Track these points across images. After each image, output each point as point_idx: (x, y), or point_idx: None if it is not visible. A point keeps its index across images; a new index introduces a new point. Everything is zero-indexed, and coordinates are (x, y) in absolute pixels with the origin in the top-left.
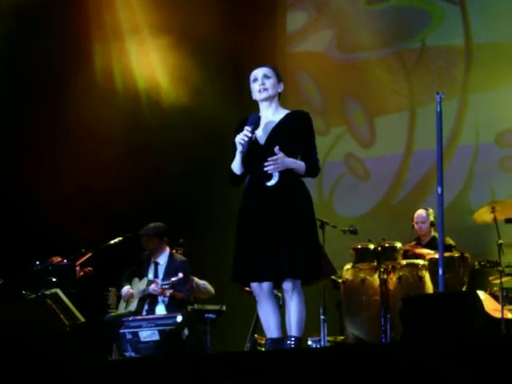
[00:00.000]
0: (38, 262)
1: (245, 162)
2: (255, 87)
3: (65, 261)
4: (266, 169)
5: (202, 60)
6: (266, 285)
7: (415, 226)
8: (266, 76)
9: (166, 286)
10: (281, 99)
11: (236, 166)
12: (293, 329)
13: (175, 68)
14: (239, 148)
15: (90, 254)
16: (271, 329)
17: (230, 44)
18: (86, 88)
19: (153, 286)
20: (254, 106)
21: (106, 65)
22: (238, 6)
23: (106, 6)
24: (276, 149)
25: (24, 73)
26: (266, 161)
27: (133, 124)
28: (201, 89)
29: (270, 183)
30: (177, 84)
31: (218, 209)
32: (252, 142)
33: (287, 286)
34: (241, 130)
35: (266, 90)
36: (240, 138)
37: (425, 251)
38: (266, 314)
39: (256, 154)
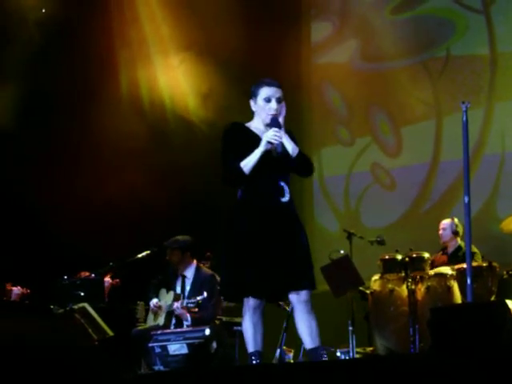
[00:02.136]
0: (66, 277)
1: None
2: (267, 107)
3: (93, 275)
4: (273, 138)
5: (228, 74)
6: (264, 300)
7: (439, 232)
8: (279, 100)
9: (191, 306)
10: (306, 109)
11: (250, 165)
12: (317, 340)
13: (201, 83)
14: (265, 147)
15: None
16: (258, 343)
17: (255, 57)
18: (111, 104)
19: (177, 305)
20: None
21: (131, 80)
22: (263, 18)
23: (130, 22)
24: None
25: (48, 88)
26: (277, 174)
27: (158, 139)
28: (227, 104)
29: (285, 199)
30: (203, 99)
31: None
32: (266, 153)
33: (305, 297)
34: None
35: (277, 116)
36: (276, 137)
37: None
38: (259, 329)
39: (267, 165)
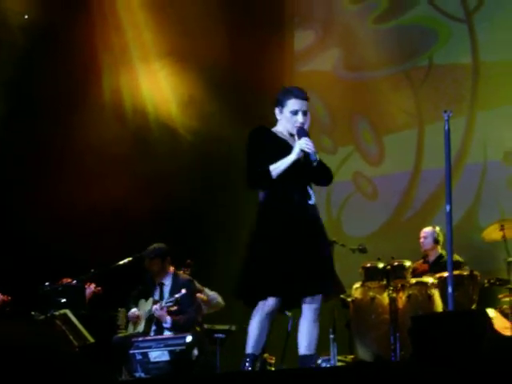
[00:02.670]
0: (47, 283)
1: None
2: (293, 120)
3: (74, 282)
4: (307, 147)
5: (211, 82)
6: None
7: (420, 240)
8: (305, 112)
9: (170, 304)
10: None
11: (279, 170)
12: (314, 348)
13: (184, 90)
14: (297, 155)
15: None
16: (259, 346)
17: (238, 65)
18: (94, 110)
19: (155, 306)
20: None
21: (114, 87)
22: (246, 26)
23: (113, 28)
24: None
25: (31, 93)
26: (304, 179)
27: (141, 147)
28: (210, 112)
29: (312, 202)
30: (186, 107)
31: (227, 229)
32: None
33: (318, 305)
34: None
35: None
36: (309, 146)
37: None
38: (265, 334)
39: (295, 171)
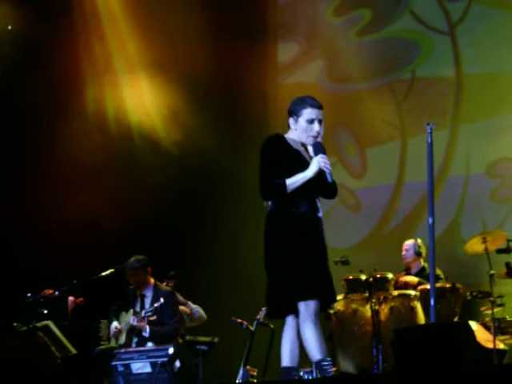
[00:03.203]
0: (29, 294)
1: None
2: (310, 129)
3: (56, 293)
4: (325, 166)
5: (194, 94)
6: None
7: (402, 253)
8: (320, 121)
9: (149, 314)
10: (272, 129)
11: (296, 186)
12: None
13: (167, 101)
14: (314, 173)
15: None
16: (324, 349)
17: (221, 77)
18: (77, 122)
19: (133, 316)
20: (244, 141)
21: (97, 98)
22: (230, 39)
23: (97, 39)
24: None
25: (12, 105)
26: (314, 192)
27: (125, 158)
28: (192, 123)
29: (320, 214)
30: (169, 119)
31: (210, 242)
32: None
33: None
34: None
35: (318, 137)
36: (327, 164)
37: (409, 278)
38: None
39: (308, 184)
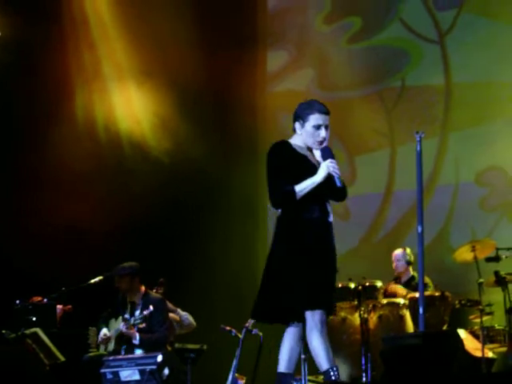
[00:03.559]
0: (18, 301)
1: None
2: (316, 134)
3: (45, 300)
4: (334, 171)
5: (184, 103)
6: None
7: (393, 264)
8: (327, 127)
9: (139, 321)
10: (262, 137)
11: (305, 192)
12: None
13: (156, 109)
14: (323, 178)
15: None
16: (331, 357)
17: (211, 85)
18: (67, 129)
19: (123, 324)
20: (234, 149)
21: (87, 105)
22: (220, 47)
23: (86, 48)
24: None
25: (3, 112)
26: (324, 197)
27: (114, 165)
28: (182, 130)
29: (331, 219)
30: (158, 127)
31: (199, 250)
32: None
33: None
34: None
35: (324, 142)
36: (335, 169)
37: (398, 289)
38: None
39: (317, 189)
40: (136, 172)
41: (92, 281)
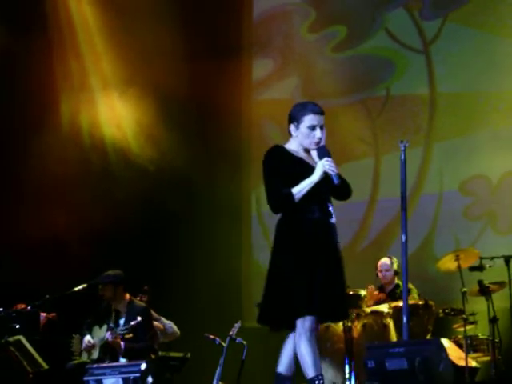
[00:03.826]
0: (1, 309)
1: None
2: (312, 135)
3: (29, 307)
4: (330, 169)
5: (168, 111)
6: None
7: (379, 274)
8: (322, 127)
9: (126, 331)
10: (246, 146)
11: (303, 193)
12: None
13: (141, 118)
14: (320, 177)
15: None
16: (319, 366)
17: (196, 94)
18: (52, 139)
19: (109, 333)
20: (218, 157)
21: (72, 114)
22: (205, 56)
23: (72, 55)
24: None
25: None
26: (325, 198)
27: (99, 173)
28: (166, 140)
29: (333, 220)
30: (143, 135)
31: (183, 256)
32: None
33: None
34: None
35: (320, 143)
36: (332, 167)
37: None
38: (318, 353)
39: (317, 190)
40: (120, 179)
41: (76, 288)
